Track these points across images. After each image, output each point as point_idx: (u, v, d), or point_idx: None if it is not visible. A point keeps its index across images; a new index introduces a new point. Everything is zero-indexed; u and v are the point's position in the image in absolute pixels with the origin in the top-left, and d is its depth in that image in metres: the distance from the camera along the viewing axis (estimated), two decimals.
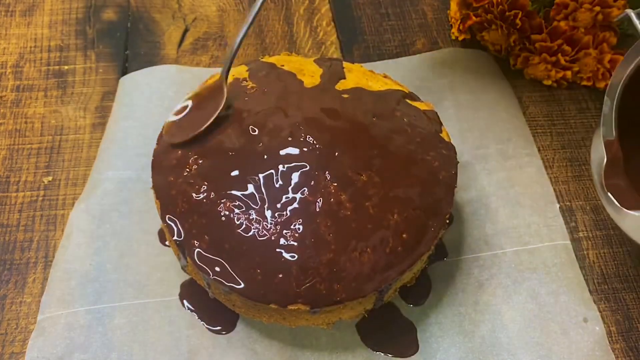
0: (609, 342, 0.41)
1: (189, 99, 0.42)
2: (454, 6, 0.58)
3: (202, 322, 0.41)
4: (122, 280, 0.42)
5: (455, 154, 0.41)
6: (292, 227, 0.35)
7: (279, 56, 0.45)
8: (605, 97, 0.36)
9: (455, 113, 0.51)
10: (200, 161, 0.38)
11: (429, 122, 0.42)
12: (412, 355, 0.40)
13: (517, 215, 0.46)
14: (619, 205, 0.33)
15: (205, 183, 0.37)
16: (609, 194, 0.34)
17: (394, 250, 0.36)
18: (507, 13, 0.54)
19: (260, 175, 0.37)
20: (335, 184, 0.36)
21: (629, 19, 0.38)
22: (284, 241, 0.35)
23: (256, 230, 0.35)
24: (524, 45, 0.55)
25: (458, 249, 0.45)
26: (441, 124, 0.42)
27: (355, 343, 0.41)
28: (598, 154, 0.36)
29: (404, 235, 0.36)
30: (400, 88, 0.44)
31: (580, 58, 0.53)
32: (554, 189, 0.48)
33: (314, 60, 0.45)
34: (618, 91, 0.36)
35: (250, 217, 0.36)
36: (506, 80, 0.54)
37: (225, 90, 0.40)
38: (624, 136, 0.35)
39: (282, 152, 0.37)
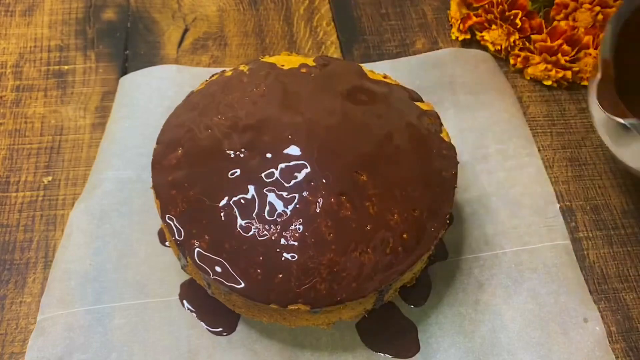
0: (609, 342, 0.41)
1: None
2: (454, 6, 0.58)
3: (202, 324, 0.41)
4: (122, 280, 0.42)
5: (455, 154, 0.41)
6: (292, 227, 0.35)
7: (279, 56, 0.45)
8: (608, 24, 0.40)
9: (455, 113, 0.51)
10: (201, 161, 0.38)
11: (429, 122, 0.42)
12: (413, 355, 0.40)
13: (517, 215, 0.46)
14: (606, 112, 0.37)
15: (205, 182, 0.37)
16: (598, 103, 0.37)
17: (394, 250, 0.36)
18: (507, 13, 0.54)
19: (260, 175, 0.37)
20: (336, 184, 0.36)
21: None
22: (284, 241, 0.35)
23: (256, 230, 0.35)
24: (524, 45, 0.55)
25: (458, 249, 0.45)
26: (441, 124, 0.42)
27: (355, 343, 0.41)
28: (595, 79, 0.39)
29: (404, 236, 0.36)
30: (400, 88, 0.44)
31: (580, 58, 0.53)
32: (554, 189, 0.48)
33: (314, 60, 0.45)
34: (621, 21, 0.40)
35: (251, 217, 0.36)
36: (506, 80, 0.54)
37: None
38: (620, 61, 0.39)
39: (283, 152, 0.37)
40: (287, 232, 0.35)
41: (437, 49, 0.57)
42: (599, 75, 0.38)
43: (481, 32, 0.56)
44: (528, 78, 0.55)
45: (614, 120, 0.37)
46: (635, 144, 0.37)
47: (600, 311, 0.42)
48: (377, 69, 0.46)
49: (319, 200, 0.36)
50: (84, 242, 0.44)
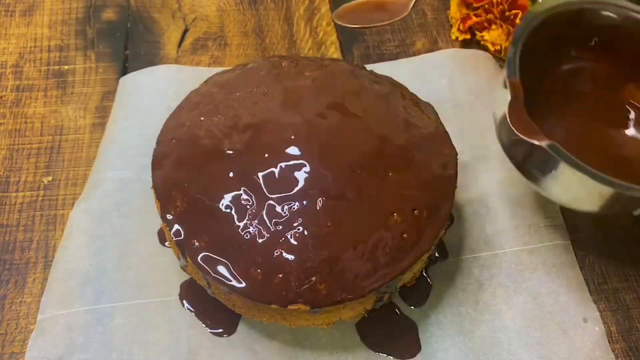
0: (609, 342, 0.41)
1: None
2: (454, 6, 0.58)
3: (203, 325, 0.41)
4: (122, 280, 0.42)
5: (456, 153, 0.41)
6: (292, 226, 0.35)
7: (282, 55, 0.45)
8: (510, 45, 0.40)
9: (455, 113, 0.51)
10: (201, 161, 0.38)
11: (429, 122, 0.42)
12: (413, 356, 0.40)
13: (517, 215, 0.46)
14: (520, 135, 0.36)
15: (205, 182, 0.37)
16: (511, 125, 0.37)
17: (394, 250, 0.36)
18: (507, 13, 0.54)
19: (260, 175, 0.37)
20: (336, 184, 0.36)
21: None
22: (284, 241, 0.35)
23: (256, 229, 0.35)
24: None
25: (458, 249, 0.45)
26: (441, 123, 0.42)
27: (355, 343, 0.41)
28: (500, 97, 0.40)
29: (404, 235, 0.36)
30: (400, 88, 0.44)
31: None
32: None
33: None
34: (519, 42, 0.40)
35: (251, 217, 0.36)
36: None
37: (410, 6, 0.42)
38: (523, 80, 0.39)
39: (282, 151, 0.37)
40: (287, 232, 0.35)
41: (437, 49, 0.57)
42: (509, 98, 0.38)
43: (481, 32, 0.56)
44: None
45: (526, 143, 0.36)
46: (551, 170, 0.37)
47: (600, 311, 0.42)
48: (377, 70, 0.46)
49: (319, 200, 0.36)
50: (84, 242, 0.44)
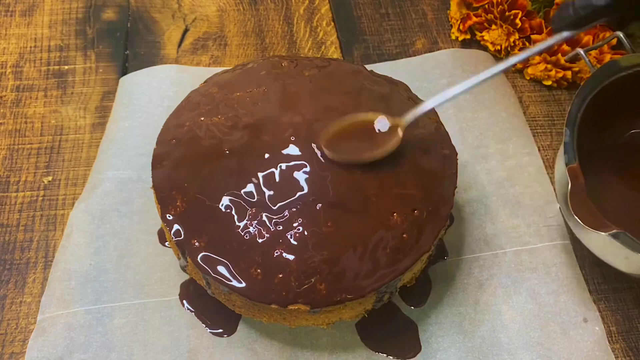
0: (609, 342, 0.41)
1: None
2: (454, 6, 0.58)
3: (203, 325, 0.41)
4: (122, 280, 0.42)
5: (456, 153, 0.41)
6: (292, 227, 0.35)
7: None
8: (565, 127, 0.40)
9: (455, 113, 0.51)
10: (200, 161, 0.38)
11: (429, 122, 0.42)
12: (413, 356, 0.40)
13: (517, 215, 0.46)
14: (585, 226, 0.36)
15: (206, 183, 0.37)
16: (575, 216, 0.36)
17: (394, 250, 0.36)
18: (507, 13, 0.55)
19: (260, 175, 0.37)
20: (336, 184, 0.36)
21: (576, 55, 0.46)
22: (284, 241, 0.35)
23: (256, 230, 0.35)
24: (524, 45, 0.55)
25: (458, 249, 0.45)
26: (441, 123, 0.42)
27: (355, 343, 0.41)
28: (562, 179, 0.40)
29: (404, 236, 0.36)
30: (400, 88, 0.44)
31: (580, 58, 0.53)
32: (554, 189, 0.48)
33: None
34: (576, 122, 0.40)
35: (251, 217, 0.36)
36: (506, 80, 0.54)
37: (401, 136, 0.38)
38: (583, 162, 0.39)
39: (283, 152, 0.37)
40: (287, 233, 0.35)
41: (437, 49, 0.57)
42: (569, 186, 0.38)
43: (481, 32, 0.56)
44: (528, 78, 0.55)
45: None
46: (619, 250, 0.37)
47: (600, 311, 0.42)
48: (377, 70, 0.46)
49: (319, 200, 0.36)
50: (84, 242, 0.44)
